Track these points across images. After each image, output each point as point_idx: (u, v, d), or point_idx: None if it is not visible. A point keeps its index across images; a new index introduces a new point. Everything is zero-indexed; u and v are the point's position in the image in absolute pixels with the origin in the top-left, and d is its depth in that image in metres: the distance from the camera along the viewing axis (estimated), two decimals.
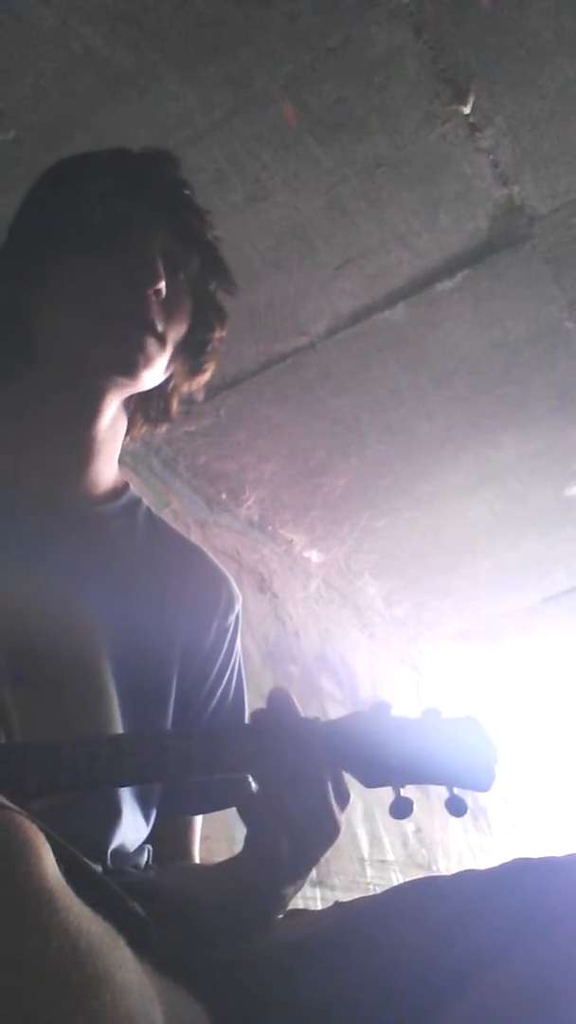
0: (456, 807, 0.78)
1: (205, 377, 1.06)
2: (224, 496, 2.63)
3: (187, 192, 1.00)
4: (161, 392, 0.99)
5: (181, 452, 2.44)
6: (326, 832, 0.75)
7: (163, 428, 1.07)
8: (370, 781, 0.78)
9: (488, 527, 3.08)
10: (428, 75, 1.58)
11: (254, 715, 0.79)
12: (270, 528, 2.82)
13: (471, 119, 1.67)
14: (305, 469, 2.61)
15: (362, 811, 2.65)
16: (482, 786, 0.80)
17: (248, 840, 0.79)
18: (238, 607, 1.03)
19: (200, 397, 2.25)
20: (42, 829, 0.45)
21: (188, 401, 2.27)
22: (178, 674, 0.94)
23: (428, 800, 3.19)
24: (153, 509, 1.06)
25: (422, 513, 2.94)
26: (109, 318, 0.89)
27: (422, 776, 0.79)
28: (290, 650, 2.70)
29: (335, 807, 0.75)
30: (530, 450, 2.70)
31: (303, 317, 2.07)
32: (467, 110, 1.65)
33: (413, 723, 0.81)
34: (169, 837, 0.92)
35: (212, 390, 2.24)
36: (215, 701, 0.98)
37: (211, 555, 1.07)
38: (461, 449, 2.64)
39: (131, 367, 0.90)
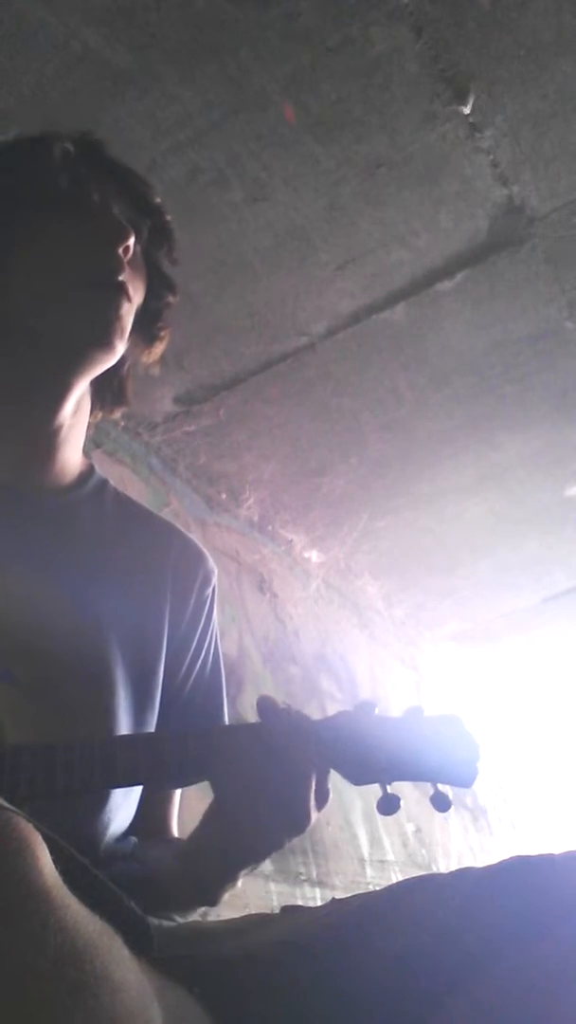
0: (440, 803, 0.81)
1: (160, 349, 1.04)
2: (224, 496, 2.63)
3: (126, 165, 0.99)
4: (116, 371, 0.97)
5: (181, 452, 2.44)
6: (297, 826, 0.79)
7: (118, 413, 1.05)
8: (358, 779, 0.80)
9: (488, 527, 3.08)
10: (428, 75, 1.58)
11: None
12: (270, 528, 2.82)
13: (471, 119, 1.67)
14: (305, 469, 2.61)
15: (362, 811, 2.65)
16: (465, 781, 0.82)
17: (211, 820, 0.82)
18: (214, 580, 1.04)
19: (200, 397, 2.26)
20: (38, 829, 0.45)
21: (188, 401, 2.28)
22: (165, 650, 0.95)
23: (428, 800, 3.18)
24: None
25: (422, 513, 2.94)
26: (85, 286, 0.86)
27: (407, 773, 0.81)
28: (290, 650, 2.70)
29: (312, 806, 0.78)
30: (530, 450, 2.71)
31: (303, 317, 2.07)
32: (467, 110, 1.65)
33: (397, 721, 0.83)
34: (148, 811, 0.93)
35: (212, 390, 2.24)
36: (194, 674, 0.99)
37: (186, 532, 1.07)
38: (461, 449, 2.64)
39: (108, 336, 0.88)
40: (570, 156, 1.79)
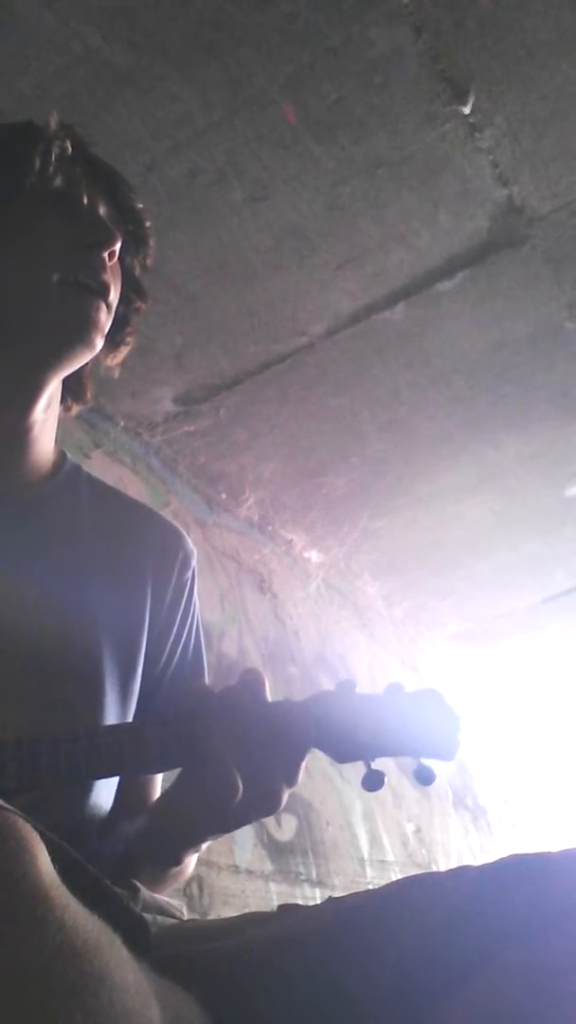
0: (424, 776, 0.82)
1: (123, 353, 1.05)
2: (224, 496, 2.63)
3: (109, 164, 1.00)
4: (78, 371, 0.97)
5: (181, 452, 2.44)
6: (269, 806, 0.80)
7: (74, 411, 1.06)
8: (341, 757, 0.80)
9: (488, 527, 3.08)
10: (428, 75, 1.58)
11: (225, 694, 0.80)
12: (270, 528, 2.82)
13: (471, 119, 1.67)
14: (305, 469, 2.61)
15: (362, 811, 2.65)
16: (447, 755, 0.83)
17: (184, 791, 0.83)
18: (194, 563, 1.04)
19: (199, 397, 2.26)
20: (36, 828, 0.46)
21: (188, 401, 2.28)
22: (146, 635, 0.95)
23: (428, 801, 3.19)
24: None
25: (422, 513, 2.94)
26: (64, 284, 0.87)
27: (390, 749, 0.82)
28: (290, 650, 2.70)
29: (284, 787, 0.79)
30: (530, 450, 2.71)
31: (303, 317, 2.07)
32: (467, 110, 1.65)
33: (378, 699, 0.84)
34: (130, 792, 0.93)
35: (212, 390, 2.25)
36: (176, 659, 0.99)
37: (163, 514, 1.07)
38: (461, 449, 2.64)
39: (89, 333, 0.89)
40: (570, 156, 1.79)
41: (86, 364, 0.97)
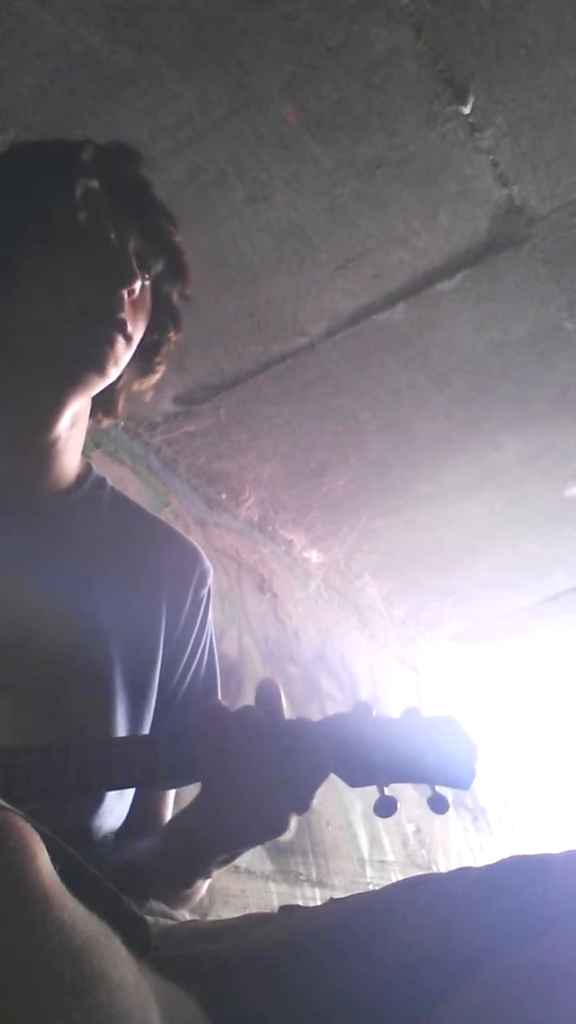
0: (438, 805, 0.80)
1: (155, 378, 1.06)
2: (224, 496, 2.63)
3: (154, 193, 1.00)
4: (109, 390, 0.99)
5: (181, 452, 2.44)
6: (275, 831, 0.78)
7: (104, 423, 1.07)
8: (355, 781, 0.79)
9: (488, 527, 3.08)
10: (428, 75, 1.58)
11: (241, 712, 0.79)
12: (270, 528, 2.82)
13: (471, 119, 1.67)
14: (305, 469, 2.61)
15: (362, 812, 2.65)
16: (463, 783, 0.81)
17: (193, 813, 0.82)
18: (210, 581, 1.04)
19: (199, 398, 2.26)
20: (36, 828, 0.46)
21: (188, 401, 2.28)
22: (161, 651, 0.95)
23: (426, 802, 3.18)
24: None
25: (422, 513, 2.94)
26: (82, 315, 0.88)
27: (405, 775, 0.80)
28: (290, 650, 2.70)
29: (292, 815, 0.78)
30: (530, 450, 2.71)
31: (303, 317, 2.07)
32: (467, 110, 1.65)
33: (394, 723, 0.82)
34: (142, 807, 0.93)
35: (212, 390, 2.25)
36: (190, 675, 1.00)
37: (181, 532, 1.08)
38: (461, 449, 2.64)
39: (101, 364, 0.90)
40: (570, 156, 1.79)
41: (118, 381, 0.98)
